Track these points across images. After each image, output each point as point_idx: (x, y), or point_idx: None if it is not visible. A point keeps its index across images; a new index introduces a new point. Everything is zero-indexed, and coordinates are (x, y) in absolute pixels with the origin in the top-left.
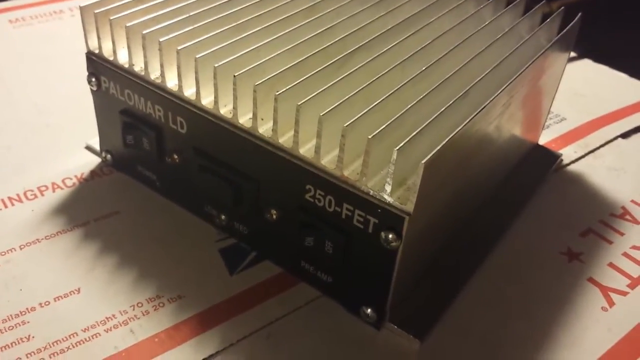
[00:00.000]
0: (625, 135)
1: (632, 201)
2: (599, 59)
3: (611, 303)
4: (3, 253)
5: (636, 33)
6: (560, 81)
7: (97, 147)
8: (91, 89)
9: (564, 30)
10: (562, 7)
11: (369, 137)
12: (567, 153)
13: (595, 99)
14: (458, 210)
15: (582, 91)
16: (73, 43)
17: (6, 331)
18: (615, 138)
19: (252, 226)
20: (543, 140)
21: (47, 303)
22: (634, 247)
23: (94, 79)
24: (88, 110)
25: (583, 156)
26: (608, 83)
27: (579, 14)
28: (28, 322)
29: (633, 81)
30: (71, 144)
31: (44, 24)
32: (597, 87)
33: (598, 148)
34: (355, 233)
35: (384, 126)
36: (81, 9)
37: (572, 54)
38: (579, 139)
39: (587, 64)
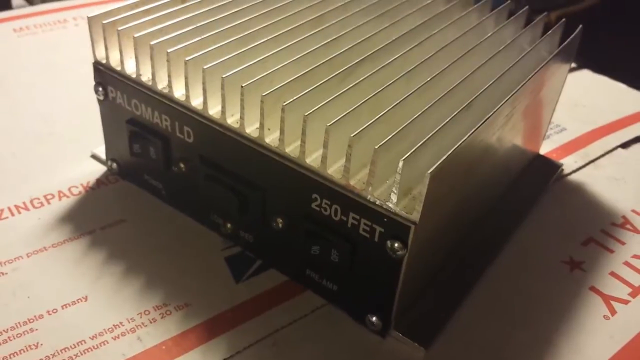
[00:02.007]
0: (625, 145)
1: (633, 210)
2: (598, 69)
3: (613, 311)
4: (10, 261)
5: (635, 44)
6: (561, 92)
7: (102, 155)
8: (98, 99)
9: (565, 42)
10: (563, 19)
11: (376, 147)
12: (568, 163)
13: (595, 109)
14: (462, 220)
15: (582, 101)
16: (77, 52)
17: (14, 339)
18: (615, 148)
19: (258, 235)
20: (544, 150)
21: (54, 311)
22: (635, 256)
23: (100, 89)
24: (93, 119)
25: (583, 166)
26: (608, 93)
27: (580, 26)
28: (36, 329)
29: (632, 91)
30: (77, 152)
31: (48, 33)
32: (597, 97)
33: (598, 158)
34: (361, 242)
35: (390, 136)
36: (89, 19)
37: (572, 65)
38: (579, 149)
39: (586, 74)
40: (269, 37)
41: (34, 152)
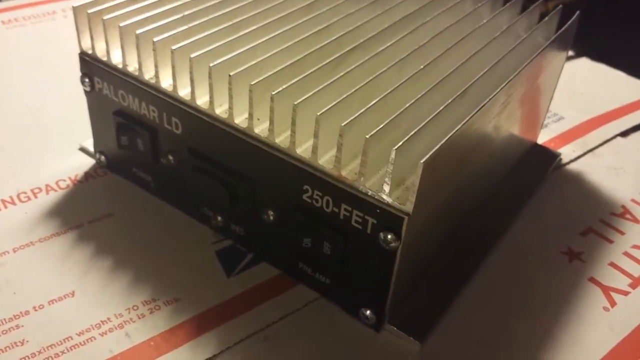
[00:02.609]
0: (624, 134)
1: (632, 200)
2: (597, 57)
3: (613, 303)
4: None
5: (634, 31)
6: (559, 80)
7: (91, 148)
8: (84, 90)
9: (562, 29)
10: (560, 6)
11: (367, 136)
12: (566, 152)
13: (593, 97)
14: (457, 210)
15: (580, 90)
16: (66, 44)
17: (0, 335)
18: (614, 137)
19: (249, 227)
20: (542, 139)
21: (41, 307)
22: (635, 247)
23: (87, 80)
24: (81, 111)
25: (582, 155)
26: (606, 81)
27: (577, 12)
28: (22, 326)
29: (631, 79)
30: (65, 145)
31: (37, 25)
32: (596, 85)
33: (597, 147)
34: (353, 234)
35: (381, 125)
36: (74, 9)
37: (570, 53)
38: (577, 138)
39: (585, 62)
40: (258, 25)
41: (21, 145)
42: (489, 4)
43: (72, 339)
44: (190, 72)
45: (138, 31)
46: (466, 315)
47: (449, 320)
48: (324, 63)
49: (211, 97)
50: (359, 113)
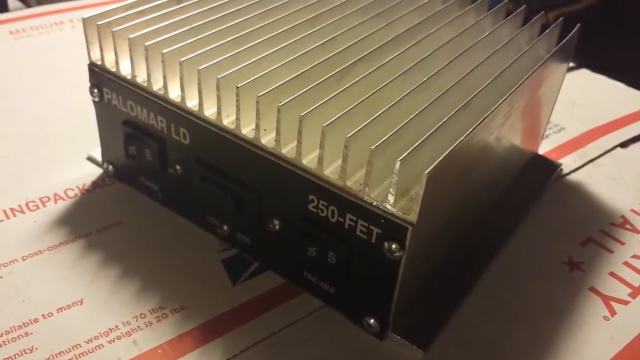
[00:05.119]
0: (624, 144)
1: (632, 210)
2: (597, 68)
3: (613, 312)
4: (5, 264)
5: (633, 43)
6: (559, 91)
7: (98, 157)
8: (93, 100)
9: (563, 41)
10: (561, 18)
11: (372, 147)
12: (567, 162)
13: (593, 108)
14: (460, 220)
15: (580, 101)
16: (73, 54)
17: (9, 343)
18: (614, 147)
19: (254, 236)
20: (543, 149)
21: (49, 314)
22: (635, 256)
23: (96, 90)
24: (89, 121)
25: (582, 165)
26: (606, 93)
27: (578, 24)
28: (31, 333)
29: (631, 90)
30: (73, 154)
31: (44, 35)
32: (596, 96)
33: (597, 157)
34: (358, 243)
35: (386, 137)
36: (84, 20)
37: (571, 64)
38: (578, 149)
39: (585, 73)
40: (264, 38)
41: (29, 155)
42: (491, 16)
43: (80, 346)
44: (199, 84)
45: (147, 43)
46: (468, 324)
47: (451, 329)
48: (330, 75)
49: (219, 108)
50: (364, 124)
